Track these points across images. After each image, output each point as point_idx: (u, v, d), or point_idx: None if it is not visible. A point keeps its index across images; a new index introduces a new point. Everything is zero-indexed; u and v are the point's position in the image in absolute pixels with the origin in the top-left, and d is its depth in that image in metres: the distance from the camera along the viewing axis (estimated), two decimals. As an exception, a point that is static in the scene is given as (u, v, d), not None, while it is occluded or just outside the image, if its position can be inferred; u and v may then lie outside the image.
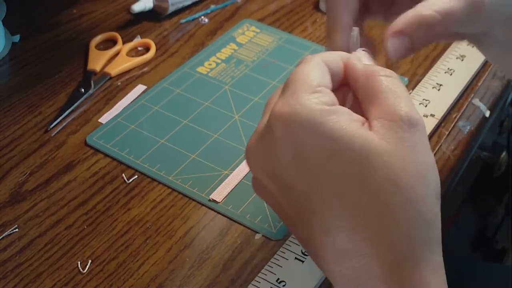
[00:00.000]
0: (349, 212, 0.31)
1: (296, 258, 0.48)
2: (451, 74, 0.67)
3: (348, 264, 0.32)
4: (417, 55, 0.71)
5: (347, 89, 0.36)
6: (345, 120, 0.31)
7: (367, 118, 0.33)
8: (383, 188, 0.31)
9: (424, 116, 0.61)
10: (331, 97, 0.33)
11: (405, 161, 0.31)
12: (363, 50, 0.36)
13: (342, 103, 0.34)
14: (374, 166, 0.31)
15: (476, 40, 0.45)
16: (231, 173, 0.56)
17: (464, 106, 0.64)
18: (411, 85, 0.66)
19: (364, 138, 0.31)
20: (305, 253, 0.49)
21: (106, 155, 0.58)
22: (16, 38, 0.73)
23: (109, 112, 0.63)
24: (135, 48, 0.72)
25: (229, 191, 0.54)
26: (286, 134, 0.32)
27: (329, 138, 0.31)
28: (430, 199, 0.31)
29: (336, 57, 0.35)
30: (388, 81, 0.33)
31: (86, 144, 0.59)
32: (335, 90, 0.34)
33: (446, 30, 0.37)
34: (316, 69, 0.33)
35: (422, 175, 0.31)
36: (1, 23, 0.71)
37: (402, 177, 0.31)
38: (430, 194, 0.31)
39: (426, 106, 0.62)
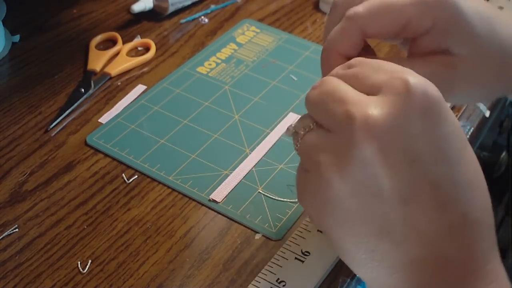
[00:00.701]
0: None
1: (296, 258, 0.48)
2: (451, 74, 0.67)
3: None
4: (417, 55, 0.71)
5: None
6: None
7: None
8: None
9: (424, 116, 0.61)
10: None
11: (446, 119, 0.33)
12: None
13: None
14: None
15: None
16: (231, 173, 0.56)
17: (464, 106, 0.64)
18: (411, 85, 0.66)
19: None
20: (305, 253, 0.49)
21: (106, 155, 0.58)
22: (16, 38, 0.73)
23: (109, 112, 0.63)
24: (135, 48, 0.72)
25: (229, 191, 0.54)
26: (370, 144, 0.31)
27: (455, 123, 0.33)
28: (467, 149, 0.34)
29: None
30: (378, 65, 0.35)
31: (86, 144, 0.59)
32: None
33: None
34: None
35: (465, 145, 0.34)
36: (1, 23, 0.71)
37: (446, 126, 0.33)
38: (465, 146, 0.34)
39: (426, 106, 0.62)
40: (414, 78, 0.32)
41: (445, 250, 0.32)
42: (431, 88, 0.32)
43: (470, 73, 0.42)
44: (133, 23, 0.76)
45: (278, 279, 0.47)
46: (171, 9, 0.75)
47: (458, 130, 0.33)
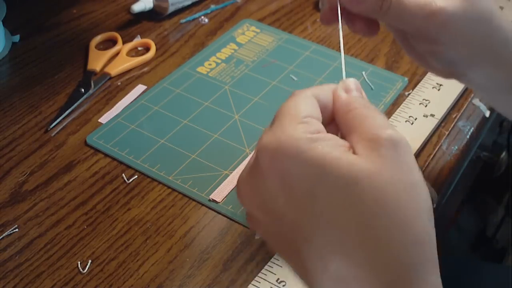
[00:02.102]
0: (341, 237, 0.31)
1: (296, 258, 0.48)
2: (451, 74, 0.67)
3: None
4: (417, 55, 0.71)
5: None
6: (329, 146, 0.31)
7: (351, 147, 0.33)
8: (372, 210, 0.30)
9: (424, 116, 0.61)
10: (318, 126, 0.33)
11: (392, 180, 0.30)
12: (352, 79, 0.36)
13: (335, 133, 0.35)
14: (362, 189, 0.30)
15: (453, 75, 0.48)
16: (231, 173, 0.56)
17: (464, 106, 0.64)
18: (411, 85, 0.66)
19: (349, 162, 0.31)
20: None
21: (106, 155, 0.58)
22: (16, 38, 0.73)
23: (109, 112, 0.63)
24: (135, 48, 0.72)
25: (229, 191, 0.54)
26: (272, 165, 0.32)
27: (313, 165, 0.31)
28: (421, 218, 0.31)
29: (326, 90, 0.35)
30: (364, 111, 0.33)
31: (86, 144, 0.59)
32: (329, 122, 0.35)
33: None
34: (304, 101, 0.34)
35: (410, 194, 0.31)
36: (1, 23, 0.71)
37: (390, 198, 0.30)
38: (421, 213, 0.31)
39: (426, 106, 0.62)
40: (265, 138, 0.33)
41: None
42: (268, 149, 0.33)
43: (455, 31, 0.43)
44: (133, 23, 0.76)
45: (278, 279, 0.47)
46: (171, 9, 0.75)
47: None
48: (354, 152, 0.32)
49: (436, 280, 0.31)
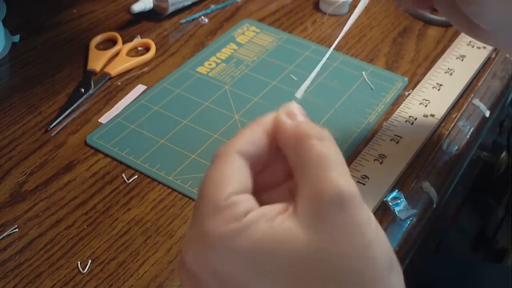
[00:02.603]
0: None
1: (296, 258, 0.48)
2: (451, 74, 0.67)
3: None
4: (417, 55, 0.71)
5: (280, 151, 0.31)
6: (262, 229, 0.27)
7: (295, 188, 0.29)
8: (328, 284, 0.27)
9: (424, 116, 0.61)
10: (246, 204, 0.28)
11: (341, 250, 0.27)
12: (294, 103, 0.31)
13: (278, 170, 0.31)
14: (310, 268, 0.27)
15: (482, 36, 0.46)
16: (231, 173, 0.56)
17: (464, 106, 0.64)
18: (411, 85, 0.66)
19: (289, 240, 0.27)
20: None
21: (106, 155, 0.58)
22: (16, 38, 0.73)
23: (109, 112, 0.63)
24: (135, 48, 0.72)
25: (229, 191, 0.54)
26: (202, 270, 0.29)
27: (248, 260, 0.27)
28: (381, 278, 0.27)
29: (256, 132, 0.30)
30: (320, 149, 0.29)
31: (86, 144, 0.59)
32: (270, 162, 0.31)
33: None
34: (228, 171, 0.29)
35: (365, 257, 0.27)
36: (1, 23, 0.71)
37: (343, 269, 0.27)
38: (380, 273, 0.28)
39: (426, 106, 0.62)
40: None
41: None
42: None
43: None
44: (133, 23, 0.76)
45: (278, 279, 0.47)
46: (171, 9, 0.75)
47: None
48: (295, 208, 0.28)
49: None
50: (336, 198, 0.27)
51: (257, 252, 0.27)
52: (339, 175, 0.28)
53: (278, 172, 0.31)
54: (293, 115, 0.31)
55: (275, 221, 0.28)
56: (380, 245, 0.28)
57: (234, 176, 0.29)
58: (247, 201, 0.29)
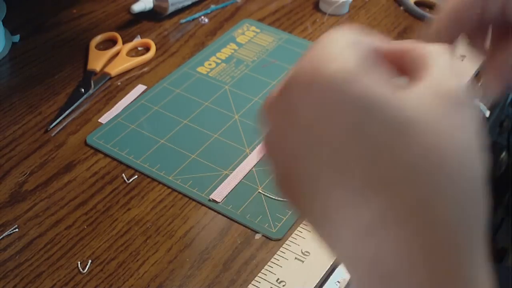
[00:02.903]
0: (378, 174, 0.26)
1: (296, 258, 0.48)
2: (451, 74, 0.67)
3: (376, 240, 0.26)
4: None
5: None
6: (383, 79, 0.26)
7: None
8: (422, 160, 0.25)
9: (424, 116, 0.61)
10: (368, 49, 0.27)
11: (450, 136, 0.26)
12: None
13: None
14: (414, 134, 0.25)
15: None
16: (231, 173, 0.56)
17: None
18: (411, 85, 0.66)
19: (404, 104, 0.26)
20: (305, 253, 0.49)
21: (106, 155, 0.58)
22: (16, 38, 0.73)
23: (109, 112, 0.63)
24: (135, 48, 0.72)
25: (229, 191, 0.54)
26: (307, 99, 0.27)
27: (362, 99, 0.26)
28: (476, 180, 0.26)
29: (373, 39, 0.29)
30: (440, 48, 0.28)
31: (86, 144, 0.59)
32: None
33: None
34: (347, 31, 0.28)
35: (467, 156, 0.26)
36: (1, 23, 0.71)
37: (446, 151, 0.25)
38: (476, 176, 0.26)
39: (426, 106, 0.62)
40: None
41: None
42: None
43: None
44: (133, 23, 0.76)
45: (278, 279, 0.47)
46: (171, 9, 0.75)
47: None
48: (414, 92, 0.26)
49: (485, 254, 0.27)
50: (460, 95, 0.27)
51: (373, 99, 0.26)
52: (459, 82, 0.27)
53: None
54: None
55: (394, 85, 0.26)
56: (479, 158, 0.27)
57: (355, 34, 0.28)
58: (371, 48, 0.28)
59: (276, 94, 0.30)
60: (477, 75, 0.67)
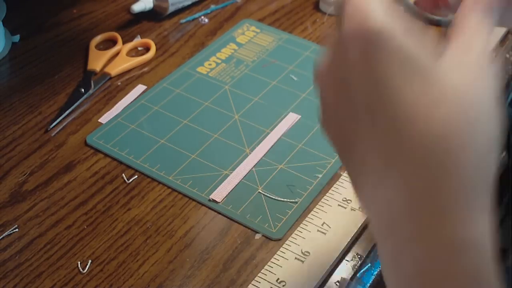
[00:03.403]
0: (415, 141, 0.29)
1: (296, 258, 0.48)
2: (451, 74, 0.67)
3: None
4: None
5: None
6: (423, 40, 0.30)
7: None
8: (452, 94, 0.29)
9: (424, 116, 0.61)
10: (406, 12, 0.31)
11: (478, 92, 0.30)
12: None
13: None
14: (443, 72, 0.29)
15: None
16: (231, 173, 0.56)
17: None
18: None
19: (437, 71, 0.29)
20: (305, 253, 0.49)
21: (106, 155, 0.58)
22: (16, 38, 0.73)
23: (109, 112, 0.63)
24: (135, 48, 0.72)
25: (229, 191, 0.54)
26: (364, 55, 0.29)
27: (408, 58, 0.29)
28: (493, 149, 0.31)
29: None
30: (478, 22, 0.31)
31: (86, 144, 0.59)
32: None
33: None
34: None
35: (489, 113, 0.30)
36: (1, 23, 0.71)
37: (472, 100, 0.29)
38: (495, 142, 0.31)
39: (426, 106, 0.62)
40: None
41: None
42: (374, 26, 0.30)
43: None
44: (133, 23, 0.76)
45: (278, 279, 0.47)
46: (171, 9, 0.75)
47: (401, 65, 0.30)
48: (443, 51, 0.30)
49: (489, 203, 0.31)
50: (483, 60, 0.30)
51: (416, 58, 0.29)
52: (484, 51, 0.31)
53: None
54: None
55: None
56: (497, 119, 0.31)
57: None
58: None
59: (332, 44, 0.32)
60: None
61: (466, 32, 0.31)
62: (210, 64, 0.69)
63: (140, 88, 0.66)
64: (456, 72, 0.29)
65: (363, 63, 0.30)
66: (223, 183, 0.55)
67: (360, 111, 0.30)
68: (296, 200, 0.53)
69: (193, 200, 0.54)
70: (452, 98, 0.29)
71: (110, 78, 0.67)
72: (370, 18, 0.29)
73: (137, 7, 0.73)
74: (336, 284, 0.48)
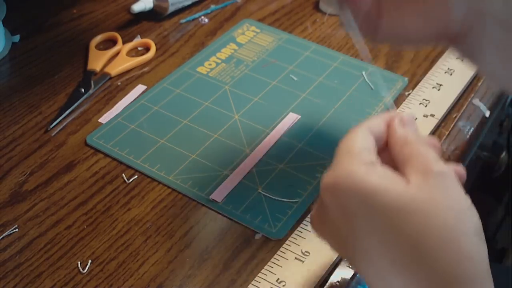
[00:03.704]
0: (394, 258, 0.35)
1: (296, 258, 0.48)
2: (451, 74, 0.67)
3: None
4: (417, 55, 0.71)
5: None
6: (381, 177, 0.35)
7: (399, 168, 0.37)
8: (421, 231, 0.34)
9: (424, 116, 0.61)
10: (371, 157, 0.37)
11: (440, 205, 0.34)
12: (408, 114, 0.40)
13: (389, 159, 0.38)
14: (411, 213, 0.34)
15: (466, 51, 0.47)
16: (231, 173, 0.56)
17: (464, 106, 0.64)
18: (411, 85, 0.66)
19: (400, 190, 0.34)
20: (305, 253, 0.49)
21: (106, 155, 0.58)
22: (16, 38, 0.73)
23: (109, 112, 0.63)
24: (135, 48, 0.72)
25: (229, 191, 0.54)
26: (333, 200, 0.37)
27: (368, 193, 0.35)
28: (468, 237, 0.34)
29: (379, 121, 0.39)
30: (418, 147, 0.37)
31: (86, 144, 0.59)
32: (382, 149, 0.39)
33: None
34: (359, 136, 0.38)
35: (457, 218, 0.34)
36: (1, 23, 0.71)
37: (437, 221, 0.34)
38: (468, 233, 0.34)
39: (426, 106, 0.62)
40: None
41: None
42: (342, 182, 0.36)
43: None
44: (133, 23, 0.76)
45: (278, 279, 0.47)
46: (171, 9, 0.75)
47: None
48: (406, 182, 0.35)
49: None
50: (440, 172, 0.35)
51: (376, 192, 0.35)
52: (437, 162, 0.36)
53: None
54: (405, 124, 0.39)
55: (393, 176, 0.36)
56: (472, 213, 0.35)
57: (364, 139, 0.38)
58: (373, 155, 0.37)
59: (317, 204, 0.40)
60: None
61: (416, 158, 0.36)
62: (210, 64, 0.69)
63: (140, 88, 0.66)
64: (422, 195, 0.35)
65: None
66: (223, 183, 0.55)
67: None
68: (296, 200, 0.53)
69: (193, 200, 0.54)
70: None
71: (110, 78, 0.67)
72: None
73: (137, 7, 0.73)
74: (336, 284, 0.48)
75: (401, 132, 0.38)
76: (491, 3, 0.41)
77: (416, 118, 0.61)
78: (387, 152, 0.39)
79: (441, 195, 0.34)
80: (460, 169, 0.37)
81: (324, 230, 0.40)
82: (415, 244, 0.34)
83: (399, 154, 0.38)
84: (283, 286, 0.46)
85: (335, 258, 0.49)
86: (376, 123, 0.39)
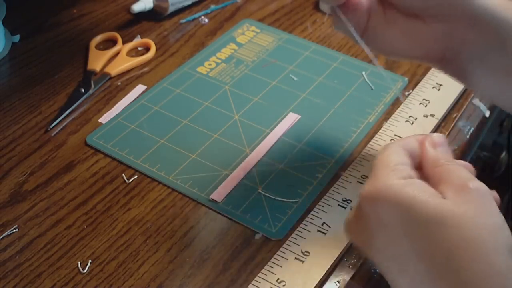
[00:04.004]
0: (428, 269, 0.36)
1: (296, 258, 0.48)
2: (451, 74, 0.67)
3: None
4: (417, 55, 0.71)
5: None
6: (419, 189, 0.37)
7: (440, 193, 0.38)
8: (456, 244, 0.35)
9: (424, 116, 0.61)
10: (408, 172, 0.39)
11: (475, 220, 0.35)
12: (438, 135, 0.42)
13: (425, 179, 0.39)
14: (447, 226, 0.35)
15: (455, 69, 0.49)
16: (231, 173, 0.56)
17: (464, 106, 0.64)
18: (411, 85, 0.66)
19: (437, 203, 0.36)
20: (305, 253, 0.49)
21: (106, 155, 0.58)
22: (16, 38, 0.73)
23: (109, 112, 0.63)
24: (135, 48, 0.72)
25: (229, 191, 0.54)
26: (372, 209, 0.38)
27: (405, 206, 0.36)
28: (501, 253, 0.35)
29: (412, 140, 0.41)
30: (451, 166, 0.39)
31: (86, 144, 0.59)
32: (417, 167, 0.40)
33: None
34: (394, 152, 0.40)
35: (491, 233, 0.35)
36: (1, 23, 0.71)
37: (472, 235, 0.35)
38: (501, 248, 0.35)
39: (426, 106, 0.62)
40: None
41: None
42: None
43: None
44: (133, 23, 0.76)
45: (278, 279, 0.47)
46: (171, 9, 0.75)
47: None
48: (443, 197, 0.37)
49: None
50: (476, 189, 0.37)
51: (413, 204, 0.36)
52: (475, 180, 0.38)
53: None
54: (436, 145, 0.41)
55: (429, 191, 0.37)
56: (505, 230, 0.36)
57: (398, 155, 0.40)
58: (410, 170, 0.39)
59: (354, 211, 0.41)
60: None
61: (451, 176, 0.38)
62: (210, 64, 0.69)
63: (140, 88, 0.66)
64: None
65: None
66: (223, 183, 0.55)
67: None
68: (296, 200, 0.53)
69: (193, 200, 0.54)
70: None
71: (110, 78, 0.67)
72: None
73: (137, 7, 0.73)
74: (336, 284, 0.48)
75: (433, 153, 0.40)
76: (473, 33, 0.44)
77: (416, 118, 0.61)
78: (423, 172, 0.40)
79: (476, 211, 0.36)
80: (496, 194, 0.38)
81: (360, 237, 0.41)
82: (450, 256, 0.35)
83: (432, 175, 0.39)
84: (283, 286, 0.46)
85: (335, 258, 0.49)
86: (410, 141, 0.41)
